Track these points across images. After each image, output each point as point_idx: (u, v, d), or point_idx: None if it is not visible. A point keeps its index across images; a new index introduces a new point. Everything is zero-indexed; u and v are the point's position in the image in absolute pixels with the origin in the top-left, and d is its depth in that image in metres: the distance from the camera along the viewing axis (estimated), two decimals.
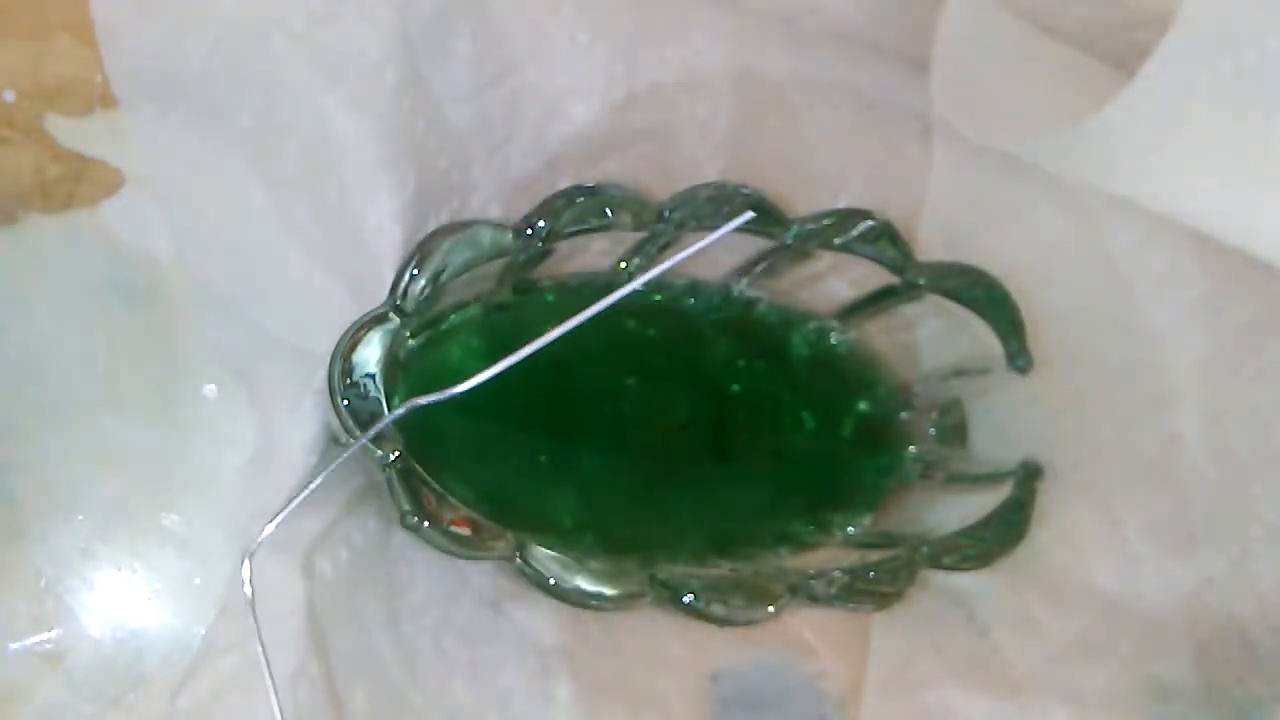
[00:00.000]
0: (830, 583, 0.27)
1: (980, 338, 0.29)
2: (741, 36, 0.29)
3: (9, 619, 0.24)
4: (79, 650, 0.25)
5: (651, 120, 0.28)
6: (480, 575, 0.27)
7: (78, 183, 0.26)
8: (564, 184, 0.25)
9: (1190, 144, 0.25)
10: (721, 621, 0.26)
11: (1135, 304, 0.29)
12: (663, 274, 0.28)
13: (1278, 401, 0.29)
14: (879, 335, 0.31)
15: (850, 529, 0.30)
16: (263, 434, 0.25)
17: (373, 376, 0.24)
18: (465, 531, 0.25)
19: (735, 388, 0.29)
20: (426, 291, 0.24)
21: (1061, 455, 0.30)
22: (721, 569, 0.28)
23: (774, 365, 0.30)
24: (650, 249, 0.27)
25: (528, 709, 0.26)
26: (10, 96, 0.25)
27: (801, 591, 0.27)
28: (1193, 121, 0.24)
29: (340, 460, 0.23)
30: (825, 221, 0.27)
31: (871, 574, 0.28)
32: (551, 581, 0.25)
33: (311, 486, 0.23)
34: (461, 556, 0.25)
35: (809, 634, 0.29)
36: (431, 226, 0.25)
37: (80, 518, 0.25)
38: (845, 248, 0.27)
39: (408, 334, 0.25)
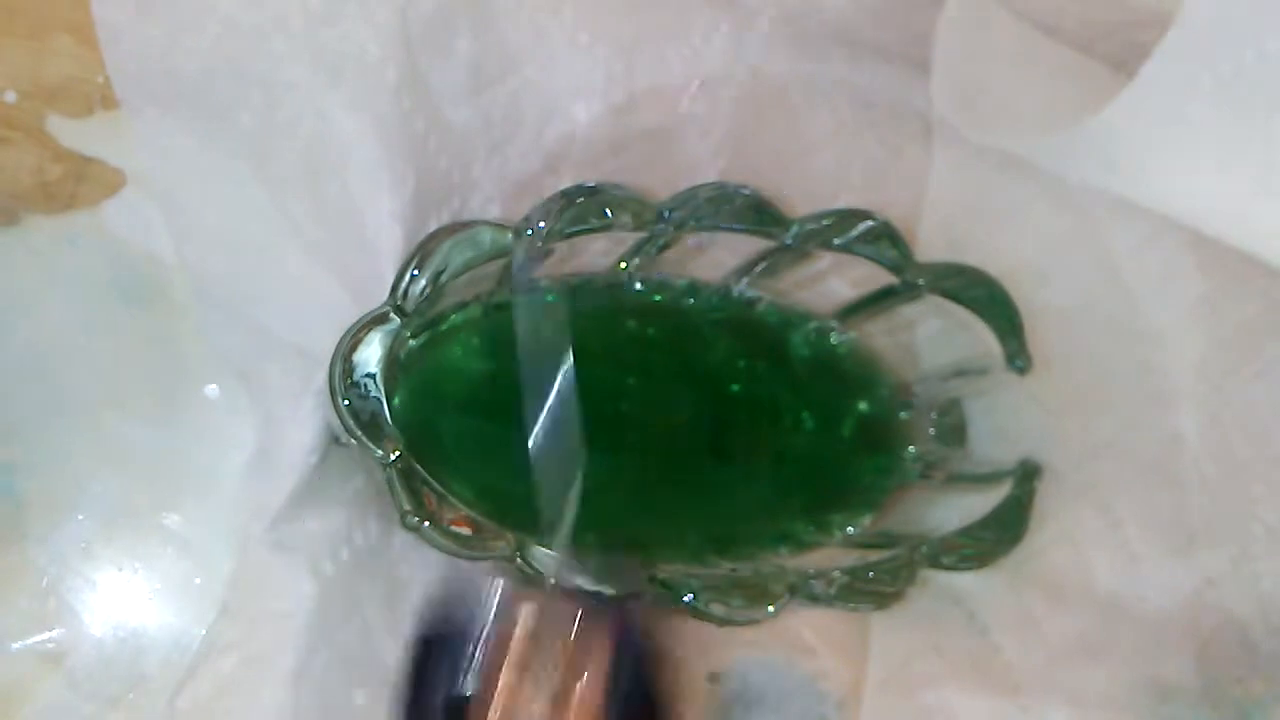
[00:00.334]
0: (830, 583, 0.27)
1: (980, 338, 0.29)
2: (741, 37, 0.29)
3: (11, 618, 0.25)
4: (80, 649, 0.25)
5: (651, 120, 0.28)
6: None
7: (79, 183, 0.26)
8: (564, 184, 0.25)
9: (1190, 144, 0.25)
10: (721, 621, 0.26)
11: (1135, 304, 0.29)
12: (663, 274, 0.28)
13: (1277, 401, 0.29)
14: (879, 335, 0.31)
15: (850, 529, 0.30)
16: (264, 434, 0.25)
17: (373, 376, 0.24)
18: (465, 531, 0.25)
19: (735, 388, 0.29)
20: (427, 291, 0.24)
21: (1061, 455, 0.30)
22: (721, 569, 0.28)
23: (774, 365, 0.30)
24: (650, 249, 0.27)
25: None
26: (12, 97, 0.25)
27: (801, 591, 0.27)
28: (1192, 122, 0.24)
29: None
30: (825, 222, 0.27)
31: (871, 574, 0.28)
32: (551, 581, 0.25)
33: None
34: (462, 556, 0.25)
35: (809, 634, 0.29)
36: (432, 226, 0.26)
37: (82, 517, 0.25)
38: (845, 248, 0.28)
39: (408, 334, 0.25)
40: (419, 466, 0.25)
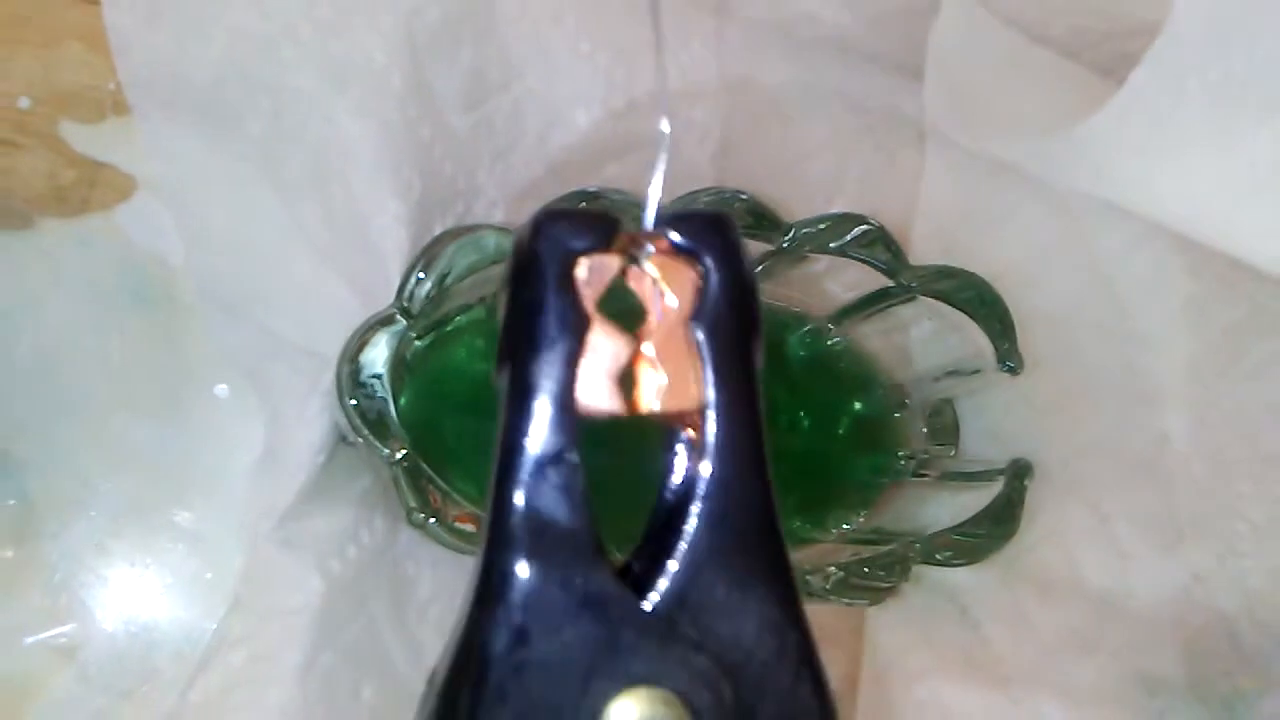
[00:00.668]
0: (826, 578, 0.27)
1: (972, 339, 0.29)
2: (740, 45, 0.29)
3: (24, 613, 0.25)
4: (92, 644, 0.25)
5: (651, 127, 0.28)
6: None
7: (91, 188, 0.26)
8: (566, 189, 0.26)
9: (1178, 150, 0.25)
10: None
11: (1123, 306, 0.29)
12: None
13: (1263, 401, 0.29)
14: (873, 337, 0.31)
15: (845, 525, 0.30)
16: (272, 433, 0.25)
17: (380, 377, 0.25)
18: (470, 528, 0.25)
19: None
20: (432, 294, 0.25)
21: (1051, 454, 0.30)
22: None
23: (771, 366, 0.29)
24: None
25: None
26: (25, 103, 0.26)
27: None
28: (1180, 128, 0.25)
29: None
30: (821, 226, 0.27)
31: (866, 569, 0.28)
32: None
33: None
34: (467, 552, 0.26)
35: None
36: (437, 231, 0.26)
37: (93, 515, 0.26)
38: (840, 251, 0.28)
39: (414, 335, 0.25)
40: (424, 465, 0.25)
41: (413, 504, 0.25)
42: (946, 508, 0.30)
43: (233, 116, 0.24)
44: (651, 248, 0.18)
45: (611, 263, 0.17)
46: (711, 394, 0.17)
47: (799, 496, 0.30)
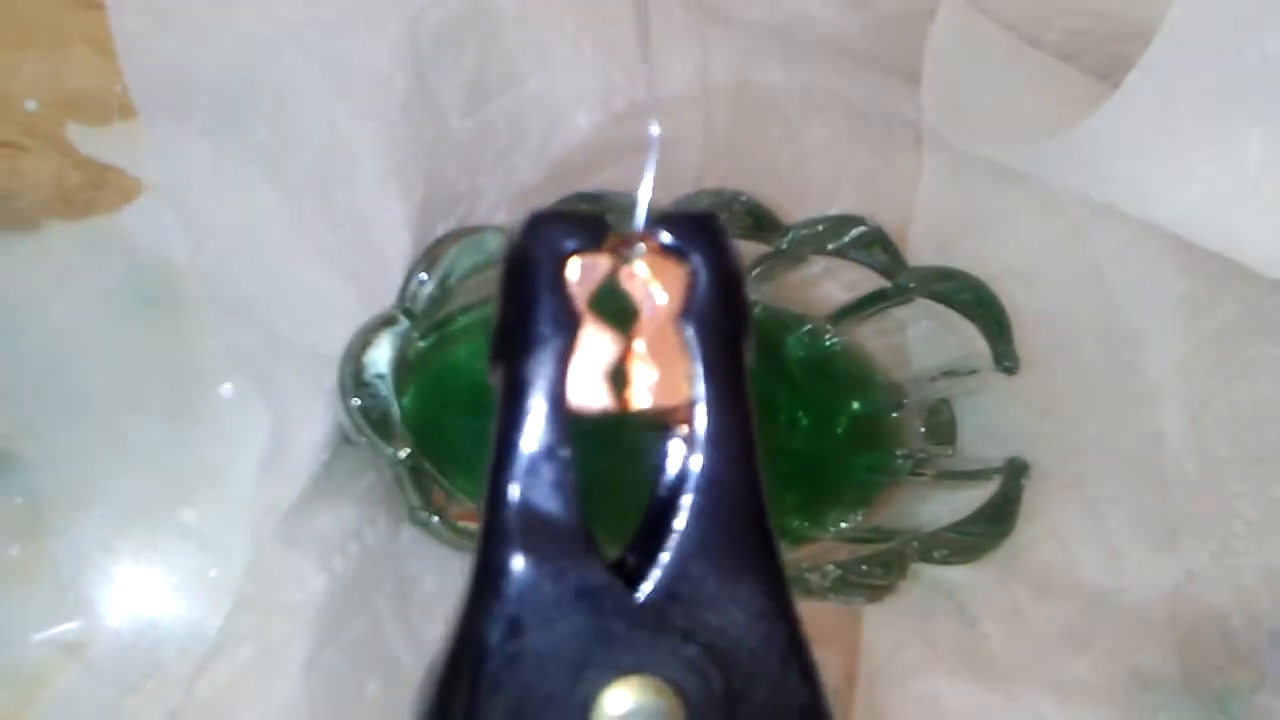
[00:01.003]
0: (824, 576, 0.27)
1: (969, 339, 0.29)
2: (739, 49, 0.29)
3: (32, 610, 0.25)
4: (99, 640, 0.25)
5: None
6: None
7: (97, 190, 0.26)
8: (567, 191, 0.26)
9: (1172, 153, 0.25)
10: None
11: (1118, 306, 0.30)
12: None
13: (1256, 400, 0.29)
14: (871, 337, 0.31)
15: (843, 524, 0.30)
16: (276, 432, 0.25)
17: (383, 377, 0.25)
18: (473, 526, 0.25)
19: None
20: (435, 294, 0.25)
21: (1047, 453, 0.30)
22: None
23: (770, 366, 0.30)
24: None
25: None
26: (32, 106, 0.26)
27: (796, 585, 0.27)
28: (1174, 131, 0.25)
29: None
30: (819, 227, 0.27)
31: (864, 567, 0.28)
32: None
33: None
34: (469, 550, 0.26)
35: (803, 625, 0.30)
36: (439, 232, 0.26)
37: (100, 513, 0.26)
38: (838, 253, 0.28)
39: (417, 336, 0.25)
40: (427, 464, 0.25)
41: (416, 503, 0.25)
42: (944, 506, 0.30)
43: (238, 120, 0.25)
44: (642, 247, 0.18)
45: (602, 262, 0.18)
46: (701, 389, 0.18)
47: (797, 495, 0.30)
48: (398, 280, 0.25)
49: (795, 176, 0.30)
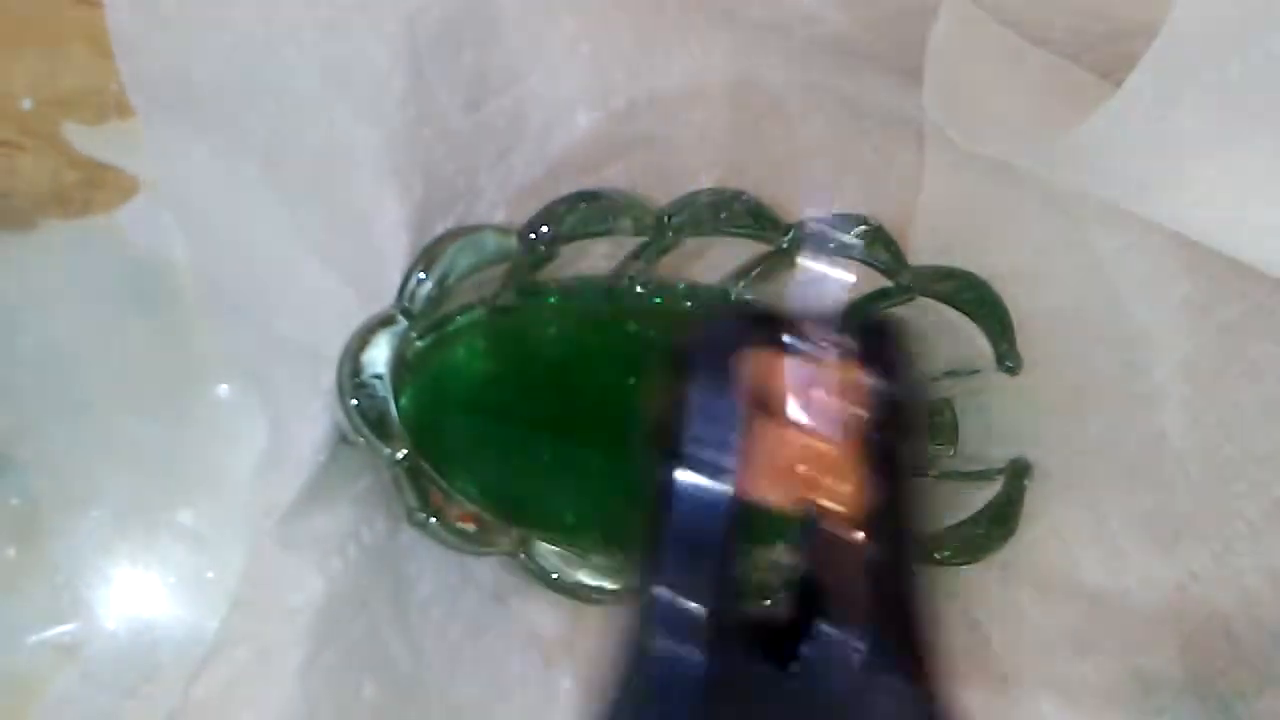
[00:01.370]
0: None
1: (971, 339, 0.29)
2: (739, 47, 0.29)
3: (28, 612, 0.25)
4: (96, 642, 0.25)
5: (651, 128, 0.28)
6: (485, 570, 0.27)
7: (94, 189, 0.26)
8: (566, 190, 0.26)
9: (1175, 151, 0.25)
10: None
11: (1121, 306, 0.30)
12: (663, 277, 0.28)
13: (1260, 401, 0.29)
14: None
15: None
16: (273, 433, 0.25)
17: (381, 377, 0.25)
18: (471, 528, 0.25)
19: None
20: (433, 294, 0.25)
21: (1050, 453, 0.30)
22: None
23: None
24: (650, 253, 0.27)
25: (530, 699, 0.27)
26: (28, 105, 0.26)
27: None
28: (1178, 129, 0.25)
29: None
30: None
31: None
32: (554, 576, 0.26)
33: None
34: (467, 552, 0.26)
35: None
36: (438, 231, 0.26)
37: (96, 514, 0.26)
38: (840, 252, 0.28)
39: (415, 335, 0.25)
40: (425, 464, 0.25)
41: (413, 504, 0.25)
42: (946, 507, 0.30)
43: (235, 118, 0.24)
44: (819, 348, 0.18)
45: (778, 360, 0.18)
46: (868, 489, 0.18)
47: None
48: (396, 280, 0.25)
49: (796, 175, 0.30)
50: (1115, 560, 0.30)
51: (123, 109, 0.26)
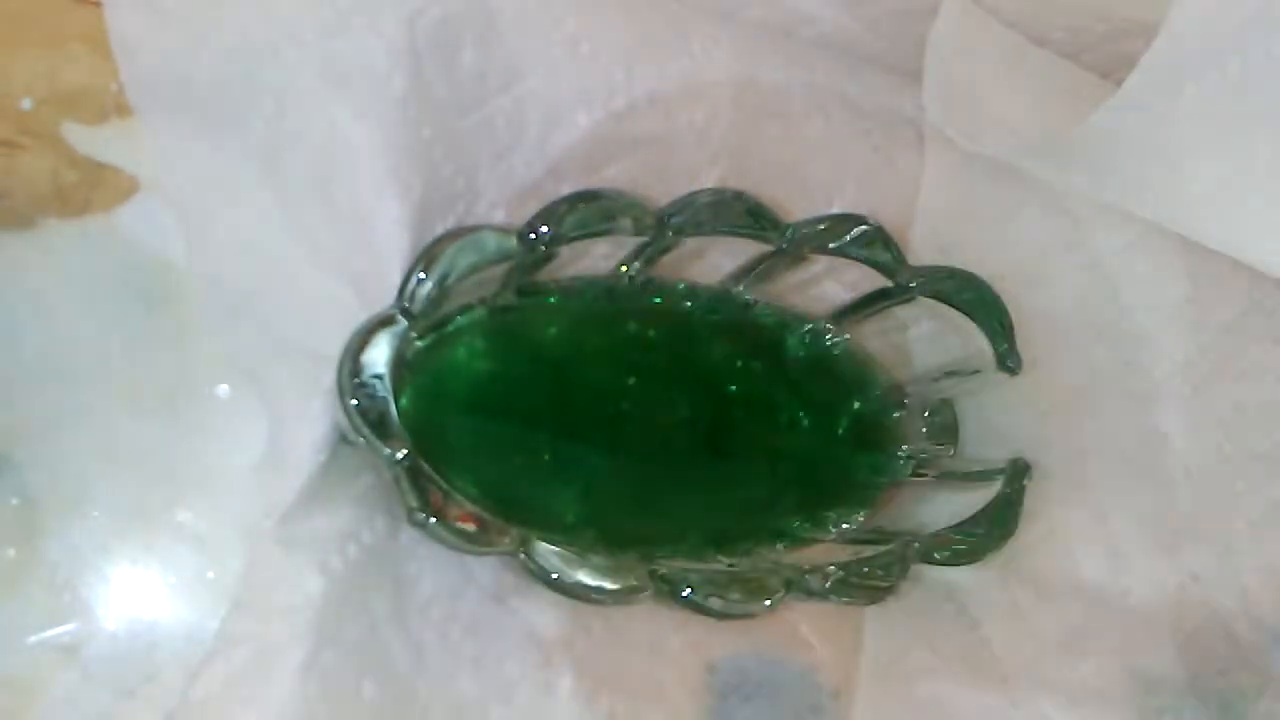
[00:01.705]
0: (825, 577, 0.27)
1: (971, 339, 0.29)
2: (739, 47, 0.29)
3: (27, 612, 0.25)
4: (95, 643, 0.25)
5: (651, 128, 0.28)
6: (485, 570, 0.27)
7: (93, 189, 0.26)
8: (566, 190, 0.26)
9: (1175, 151, 0.25)
10: (719, 615, 0.26)
11: (1122, 306, 0.30)
12: (662, 278, 0.28)
13: (1260, 401, 0.29)
14: (872, 337, 0.31)
15: (844, 525, 0.30)
16: (273, 433, 0.25)
17: (381, 377, 0.25)
18: (471, 528, 0.25)
19: (733, 388, 0.30)
20: (433, 294, 0.25)
21: (1050, 453, 0.30)
22: (719, 564, 0.28)
23: (770, 366, 0.30)
24: (650, 253, 0.27)
25: (530, 700, 0.27)
26: (28, 104, 0.26)
27: (797, 586, 0.27)
28: (1178, 129, 0.25)
29: None
30: (820, 226, 0.27)
31: (865, 569, 0.28)
32: (554, 576, 0.26)
33: None
34: (467, 552, 0.26)
35: (804, 627, 0.30)
36: (438, 231, 0.26)
37: (96, 514, 0.26)
38: (839, 252, 0.28)
39: (415, 335, 0.25)
40: (425, 465, 0.25)
41: (414, 504, 0.25)
42: (945, 507, 0.30)
43: (235, 118, 0.24)
44: None
45: None
46: None
47: (799, 496, 0.30)
48: (395, 280, 0.25)
49: (796, 175, 0.30)
50: (1115, 561, 0.30)
51: (122, 109, 0.25)
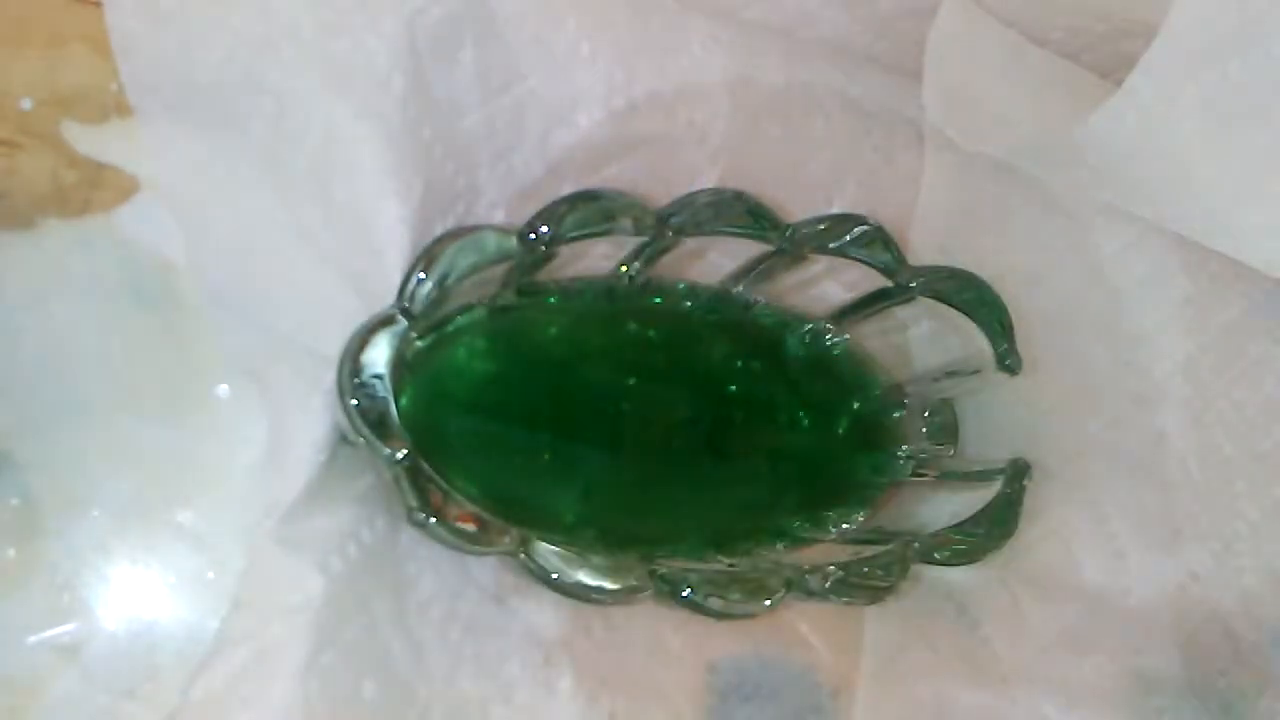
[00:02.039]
0: (825, 577, 0.27)
1: (971, 339, 0.29)
2: (739, 47, 0.29)
3: (27, 612, 0.25)
4: (95, 643, 0.25)
5: (652, 128, 0.28)
6: (485, 570, 0.27)
7: (93, 189, 0.26)
8: (567, 190, 0.26)
9: (1175, 151, 0.25)
10: (719, 615, 0.26)
11: (1121, 306, 0.30)
12: (662, 278, 0.28)
13: (1260, 400, 0.29)
14: (872, 337, 0.31)
15: (844, 525, 0.30)
16: (273, 433, 0.25)
17: (381, 377, 0.25)
18: (471, 528, 0.25)
19: (733, 388, 0.30)
20: (433, 294, 0.25)
21: (1050, 453, 0.30)
22: (719, 564, 0.28)
23: (770, 366, 0.30)
24: (650, 253, 0.27)
25: (530, 699, 0.27)
26: (28, 104, 0.26)
27: (797, 586, 0.27)
28: (1178, 129, 0.25)
29: None
30: (820, 226, 0.27)
31: (865, 569, 0.28)
32: (554, 576, 0.26)
33: None
34: (467, 552, 0.26)
35: (804, 627, 0.30)
36: (438, 231, 0.26)
37: (96, 514, 0.26)
38: (839, 252, 0.28)
39: (415, 335, 0.25)
40: (425, 465, 0.25)
41: (414, 504, 0.25)
42: (945, 507, 0.30)
43: (235, 118, 0.24)
44: None
45: None
46: None
47: (798, 496, 0.30)
48: (396, 279, 0.25)
49: (796, 175, 0.30)
50: (1115, 561, 0.30)
51: (122, 109, 0.25)
